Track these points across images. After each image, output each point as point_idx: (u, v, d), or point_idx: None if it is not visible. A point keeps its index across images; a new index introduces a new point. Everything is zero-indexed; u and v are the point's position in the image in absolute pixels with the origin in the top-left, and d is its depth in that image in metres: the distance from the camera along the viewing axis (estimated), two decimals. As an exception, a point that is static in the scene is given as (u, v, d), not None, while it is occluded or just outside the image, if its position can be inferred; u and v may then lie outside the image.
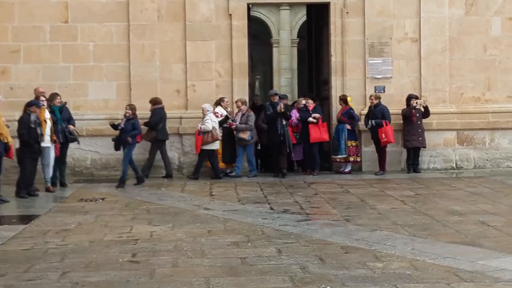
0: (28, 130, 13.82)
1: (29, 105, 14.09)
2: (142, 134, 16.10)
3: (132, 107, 15.70)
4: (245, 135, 16.62)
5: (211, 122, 16.18)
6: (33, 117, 13.89)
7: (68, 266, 8.30)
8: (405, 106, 17.12)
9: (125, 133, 15.33)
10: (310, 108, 16.99)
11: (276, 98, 16.69)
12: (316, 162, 17.07)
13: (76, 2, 17.24)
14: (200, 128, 16.17)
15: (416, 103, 16.89)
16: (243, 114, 16.73)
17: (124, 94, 17.26)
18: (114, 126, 15.57)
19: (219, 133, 16.39)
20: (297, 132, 17.09)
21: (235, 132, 16.70)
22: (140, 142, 15.99)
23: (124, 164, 15.41)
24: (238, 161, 16.82)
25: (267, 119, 16.67)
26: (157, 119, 16.47)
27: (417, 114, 16.92)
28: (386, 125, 16.79)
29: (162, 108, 16.63)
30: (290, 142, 16.49)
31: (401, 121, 17.14)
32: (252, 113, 16.81)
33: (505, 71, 17.83)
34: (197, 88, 17.32)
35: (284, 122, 16.43)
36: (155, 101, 16.65)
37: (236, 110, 17.04)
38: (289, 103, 19.11)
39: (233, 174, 16.79)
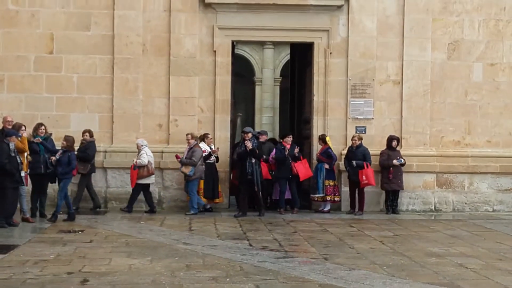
0: (9, 159, 13.78)
1: (7, 135, 14.01)
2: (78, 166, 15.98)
3: (68, 139, 15.17)
4: (187, 170, 16.40)
5: (147, 157, 16.26)
6: (11, 146, 13.86)
7: (46, 296, 8.26)
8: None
9: (60, 166, 14.86)
10: (288, 146, 17.03)
11: (249, 136, 16.48)
12: (296, 200, 17.11)
13: (62, 33, 17.29)
14: (136, 162, 16.17)
15: (395, 161, 17.03)
16: (190, 149, 16.57)
17: (107, 127, 17.28)
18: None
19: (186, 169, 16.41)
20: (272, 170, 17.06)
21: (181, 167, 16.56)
22: (75, 175, 15.78)
23: (60, 198, 14.94)
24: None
25: (238, 156, 16.61)
26: (94, 153, 16.53)
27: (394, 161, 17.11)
28: (367, 167, 16.89)
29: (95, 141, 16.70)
30: (259, 181, 16.29)
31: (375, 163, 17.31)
32: (198, 149, 16.51)
33: (485, 116, 18.04)
34: (180, 123, 17.37)
35: (253, 161, 16.23)
36: (91, 134, 16.66)
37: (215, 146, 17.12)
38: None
39: (190, 213, 16.44)
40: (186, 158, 16.45)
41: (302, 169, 16.96)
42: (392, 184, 17.15)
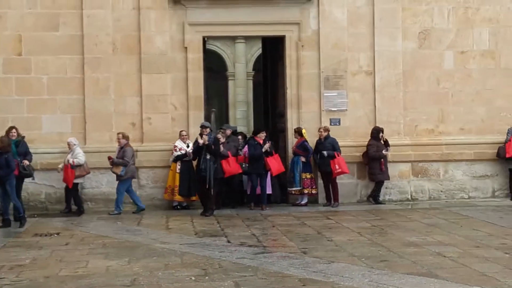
0: None
1: None
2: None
3: (2, 140, 14.54)
4: (118, 170, 16.19)
5: (83, 156, 16.14)
6: None
7: (23, 302, 8.17)
8: (362, 138, 17.37)
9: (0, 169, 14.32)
10: (261, 141, 16.97)
11: (206, 131, 16.12)
12: (264, 196, 17.01)
13: (30, 35, 17.10)
14: (73, 162, 16.00)
15: (386, 152, 17.14)
16: (121, 148, 16.35)
17: (79, 127, 17.12)
18: None
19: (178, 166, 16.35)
20: (245, 163, 16.94)
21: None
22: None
23: (14, 199, 14.57)
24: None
25: (193, 152, 16.41)
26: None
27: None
28: (338, 155, 16.92)
29: None
30: (211, 178, 15.72)
31: (357, 153, 17.31)
32: (129, 148, 16.36)
33: (457, 104, 18.11)
34: (153, 121, 17.26)
35: (208, 157, 15.84)
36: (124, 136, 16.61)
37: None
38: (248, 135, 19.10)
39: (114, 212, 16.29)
40: (117, 157, 16.28)
41: (275, 164, 16.93)
42: (385, 175, 17.22)
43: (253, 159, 16.79)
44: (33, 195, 16.78)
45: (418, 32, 18.01)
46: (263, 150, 16.79)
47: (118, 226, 14.54)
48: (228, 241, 12.34)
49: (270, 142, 17.15)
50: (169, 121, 17.35)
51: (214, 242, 12.29)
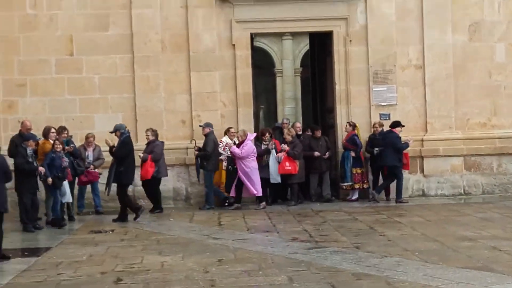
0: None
1: (25, 139, 13.94)
2: None
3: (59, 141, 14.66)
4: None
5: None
6: (29, 151, 13.73)
7: (81, 297, 8.30)
8: (412, 133, 17.34)
9: None
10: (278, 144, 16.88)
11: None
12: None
13: (81, 35, 17.34)
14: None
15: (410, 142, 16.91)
16: (94, 149, 16.25)
17: (130, 126, 17.16)
18: None
19: (224, 163, 16.41)
20: (232, 165, 16.51)
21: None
22: None
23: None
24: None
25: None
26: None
27: None
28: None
29: None
30: (110, 182, 14.98)
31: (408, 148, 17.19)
32: (99, 147, 16.30)
33: (510, 96, 17.86)
34: (202, 119, 17.33)
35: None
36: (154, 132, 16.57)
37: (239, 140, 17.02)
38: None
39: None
40: (93, 158, 16.18)
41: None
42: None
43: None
44: (87, 193, 16.88)
45: (468, 25, 17.81)
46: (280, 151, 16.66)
47: (171, 223, 14.66)
48: (280, 237, 12.37)
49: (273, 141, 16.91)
50: (219, 118, 17.42)
51: (267, 237, 12.34)
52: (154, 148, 16.13)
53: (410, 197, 17.34)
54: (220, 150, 16.65)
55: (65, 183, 14.67)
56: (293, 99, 34.44)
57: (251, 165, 16.22)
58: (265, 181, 16.61)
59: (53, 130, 15.03)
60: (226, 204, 16.67)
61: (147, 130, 16.45)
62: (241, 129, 16.80)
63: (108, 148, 15.28)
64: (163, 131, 17.10)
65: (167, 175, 16.66)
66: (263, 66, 30.53)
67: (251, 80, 17.72)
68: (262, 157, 16.64)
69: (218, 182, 16.95)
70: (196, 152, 16.53)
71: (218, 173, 16.90)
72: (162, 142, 16.47)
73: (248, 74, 17.65)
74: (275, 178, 16.60)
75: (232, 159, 16.44)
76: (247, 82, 17.63)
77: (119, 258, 10.79)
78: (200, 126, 16.77)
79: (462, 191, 17.69)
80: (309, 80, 22.74)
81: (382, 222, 13.68)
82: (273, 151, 16.62)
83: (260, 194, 16.39)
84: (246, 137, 16.33)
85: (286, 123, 18.23)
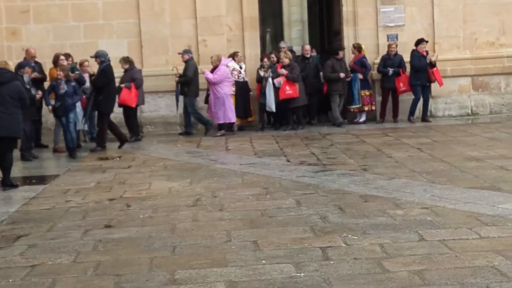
0: None
1: (20, 66, 13.59)
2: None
3: (63, 68, 14.17)
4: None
5: None
6: (26, 79, 13.31)
7: (90, 224, 8.36)
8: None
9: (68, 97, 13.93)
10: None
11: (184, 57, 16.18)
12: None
13: (83, -40, 17.10)
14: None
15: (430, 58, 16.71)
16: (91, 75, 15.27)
17: (136, 52, 17.13)
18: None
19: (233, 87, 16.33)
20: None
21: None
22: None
23: (74, 130, 14.17)
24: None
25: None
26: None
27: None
28: (403, 73, 16.72)
29: None
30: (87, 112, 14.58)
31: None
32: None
33: (519, 15, 17.63)
34: (209, 43, 17.19)
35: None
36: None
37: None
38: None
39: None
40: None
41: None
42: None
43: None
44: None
45: None
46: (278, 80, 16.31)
47: (178, 148, 14.69)
48: (288, 160, 12.39)
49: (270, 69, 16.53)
50: (225, 43, 17.26)
51: (274, 161, 12.35)
52: (134, 74, 15.69)
53: (417, 118, 17.24)
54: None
55: (78, 110, 14.53)
56: (300, 21, 34.00)
57: (225, 91, 15.94)
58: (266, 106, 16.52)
59: (62, 57, 14.85)
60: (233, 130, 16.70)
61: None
62: (215, 54, 16.30)
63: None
64: (169, 56, 16.99)
65: (144, 103, 16.37)
66: (269, -11, 30.05)
67: (257, 3, 17.49)
68: (261, 84, 16.45)
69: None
70: (177, 79, 16.34)
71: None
72: (140, 70, 16.13)
73: (253, -3, 17.42)
74: (269, 106, 16.30)
75: (238, 83, 16.35)
76: (253, 5, 17.41)
77: (127, 184, 10.84)
78: (179, 53, 16.46)
79: (469, 111, 17.62)
80: (316, 2, 22.44)
81: (389, 144, 13.67)
82: (270, 79, 16.25)
83: (232, 121, 16.19)
84: (220, 61, 16.09)
85: (283, 48, 17.85)
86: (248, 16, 17.31)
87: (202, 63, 17.11)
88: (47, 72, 15.23)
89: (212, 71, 16.00)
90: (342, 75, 16.66)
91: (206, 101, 16.46)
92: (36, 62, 14.94)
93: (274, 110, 16.38)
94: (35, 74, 14.09)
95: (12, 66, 11.69)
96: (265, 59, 16.74)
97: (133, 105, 15.67)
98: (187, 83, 16.19)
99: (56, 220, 8.62)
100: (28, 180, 11.60)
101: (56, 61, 14.83)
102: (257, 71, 16.66)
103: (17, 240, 7.80)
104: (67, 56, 15.44)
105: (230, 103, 16.05)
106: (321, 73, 17.04)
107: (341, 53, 16.94)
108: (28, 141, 13.68)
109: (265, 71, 16.42)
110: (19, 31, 17.07)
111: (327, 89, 16.93)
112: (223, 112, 15.95)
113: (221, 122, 16.10)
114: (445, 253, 6.62)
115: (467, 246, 6.81)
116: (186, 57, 16.34)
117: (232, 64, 16.62)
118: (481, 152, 12.12)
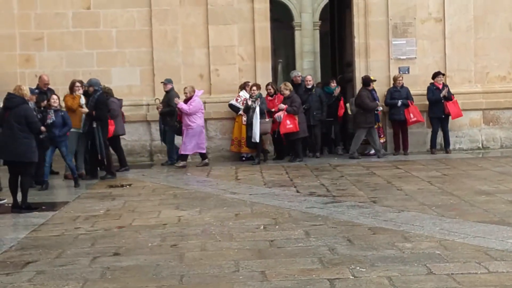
0: None
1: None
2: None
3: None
4: None
5: None
6: (31, 105, 12.95)
7: (99, 251, 8.35)
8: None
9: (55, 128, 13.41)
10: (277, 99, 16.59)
11: (167, 87, 16.20)
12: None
13: (98, -12, 17.26)
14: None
15: (443, 93, 16.75)
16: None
17: (148, 80, 17.29)
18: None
19: (243, 118, 16.34)
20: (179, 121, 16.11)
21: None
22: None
23: (69, 161, 13.99)
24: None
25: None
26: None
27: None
28: (411, 104, 16.77)
29: None
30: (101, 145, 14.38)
31: (426, 102, 17.03)
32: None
33: (530, 50, 17.66)
34: (221, 73, 17.30)
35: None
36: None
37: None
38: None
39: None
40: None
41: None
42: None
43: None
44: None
45: (489, -23, 17.55)
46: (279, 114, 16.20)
47: (188, 177, 14.71)
48: (297, 191, 12.39)
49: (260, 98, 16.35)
50: (237, 72, 17.36)
51: (283, 192, 12.35)
52: (111, 105, 15.21)
53: (428, 151, 17.24)
54: (238, 105, 16.58)
55: None
56: (312, 52, 34.19)
57: (198, 122, 15.94)
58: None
59: (78, 84, 14.79)
60: (243, 159, 16.72)
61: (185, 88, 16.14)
62: (189, 85, 16.29)
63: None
64: (181, 85, 17.07)
65: (124, 133, 16.06)
66: (281, 19, 30.25)
67: (269, 34, 17.60)
68: (247, 114, 16.25)
69: (238, 137, 16.87)
70: (160, 109, 16.26)
71: (237, 128, 16.82)
72: (120, 100, 15.91)
73: (266, 28, 17.52)
74: (254, 138, 16.02)
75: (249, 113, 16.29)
76: (265, 36, 17.51)
77: (136, 212, 10.85)
78: (161, 82, 16.50)
79: (480, 145, 17.61)
80: (328, 34, 22.56)
81: (400, 177, 13.65)
82: (257, 109, 15.98)
83: (204, 151, 16.19)
84: (194, 93, 16.07)
85: (298, 76, 17.81)
86: (260, 46, 17.41)
87: (214, 92, 17.22)
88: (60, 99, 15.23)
89: (185, 102, 15.97)
90: (380, 105, 16.66)
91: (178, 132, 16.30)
92: (49, 89, 15.03)
93: (258, 140, 16.08)
94: (44, 103, 13.93)
95: (27, 91, 11.71)
96: (253, 88, 16.41)
97: (109, 135, 14.96)
98: (170, 114, 16.19)
99: (65, 247, 8.63)
100: (38, 206, 11.61)
101: (72, 87, 14.84)
102: (246, 101, 16.52)
103: (25, 266, 7.80)
104: (81, 83, 15.50)
105: (203, 135, 16.14)
106: (347, 104, 17.05)
107: (372, 85, 16.79)
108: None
109: (253, 101, 16.22)
110: (33, 58, 17.23)
111: (355, 123, 16.78)
112: (194, 143, 15.94)
113: (188, 153, 16.05)
114: (453, 287, 6.59)
115: (476, 280, 6.77)
116: (170, 86, 16.37)
117: (244, 94, 16.69)
118: (491, 186, 12.08)
